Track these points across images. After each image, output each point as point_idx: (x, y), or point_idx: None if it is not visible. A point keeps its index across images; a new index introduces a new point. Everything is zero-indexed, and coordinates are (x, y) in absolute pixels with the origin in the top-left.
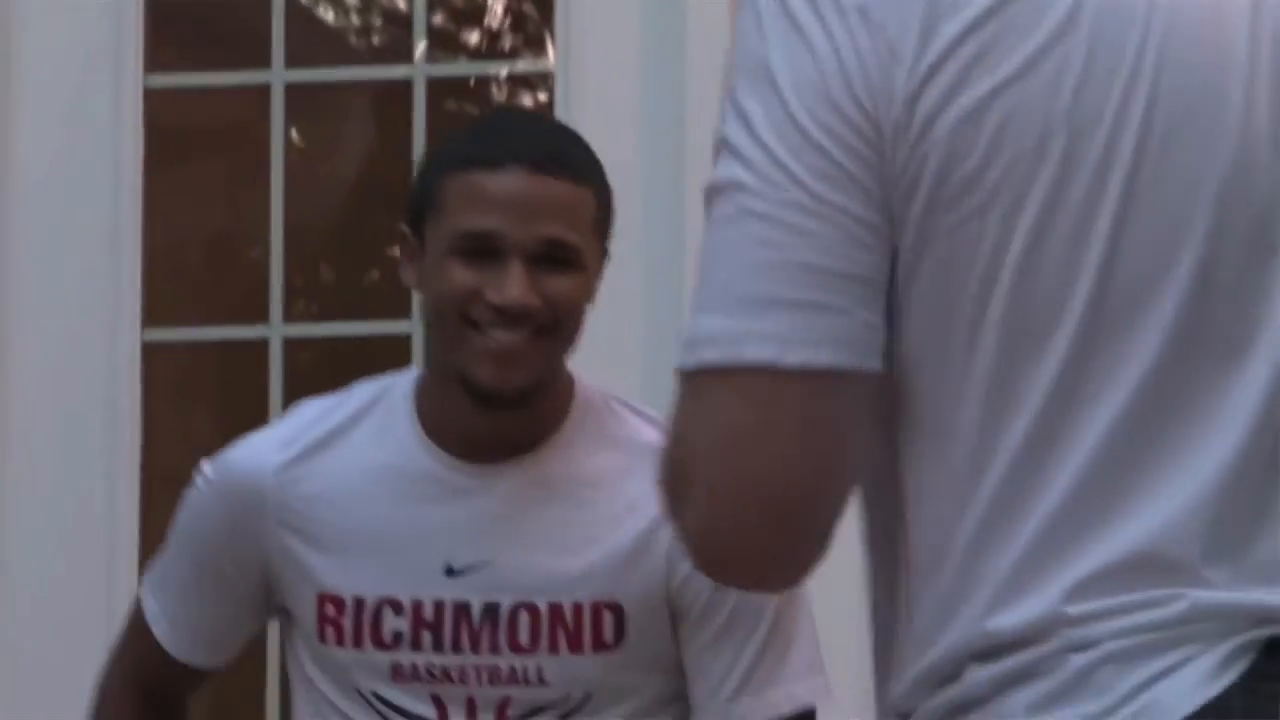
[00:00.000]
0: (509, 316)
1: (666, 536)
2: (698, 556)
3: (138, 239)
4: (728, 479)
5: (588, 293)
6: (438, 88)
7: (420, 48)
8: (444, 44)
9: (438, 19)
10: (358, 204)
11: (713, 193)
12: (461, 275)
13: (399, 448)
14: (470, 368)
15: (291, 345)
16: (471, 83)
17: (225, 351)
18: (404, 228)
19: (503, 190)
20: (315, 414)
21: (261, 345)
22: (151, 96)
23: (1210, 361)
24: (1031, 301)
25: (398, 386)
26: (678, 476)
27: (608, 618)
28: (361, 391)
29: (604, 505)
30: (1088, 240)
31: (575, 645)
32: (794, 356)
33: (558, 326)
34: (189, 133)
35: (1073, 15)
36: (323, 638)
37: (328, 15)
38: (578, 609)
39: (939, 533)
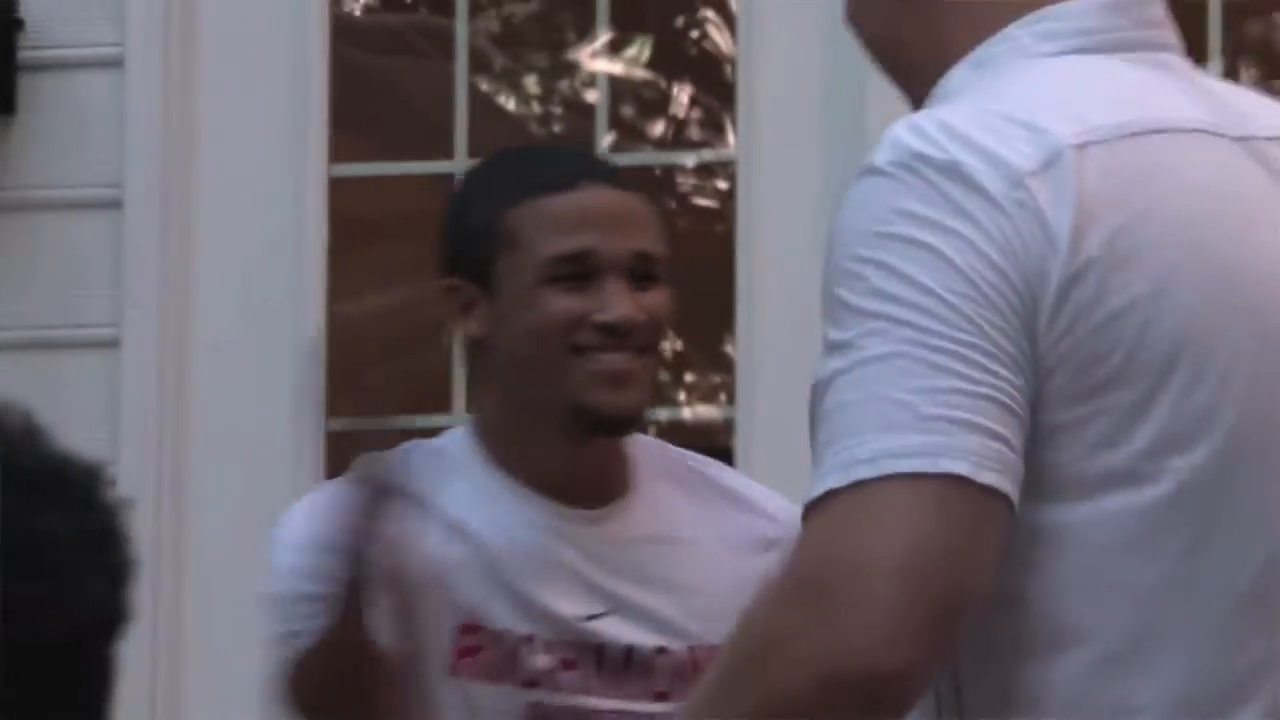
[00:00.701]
0: (616, 336)
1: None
2: (861, 665)
3: (322, 327)
4: (919, 590)
5: (671, 308)
6: (622, 175)
7: (606, 138)
8: (626, 133)
9: (622, 109)
10: None
11: (850, 341)
12: (561, 301)
13: (499, 504)
14: (582, 395)
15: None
16: (657, 172)
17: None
18: (451, 280)
19: (589, 208)
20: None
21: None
22: (336, 185)
23: None
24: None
25: (448, 449)
26: (836, 582)
27: None
28: (415, 463)
29: (704, 544)
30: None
31: None
32: (986, 476)
33: (656, 342)
34: (372, 221)
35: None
36: (456, 670)
37: (510, 104)
38: (710, 651)
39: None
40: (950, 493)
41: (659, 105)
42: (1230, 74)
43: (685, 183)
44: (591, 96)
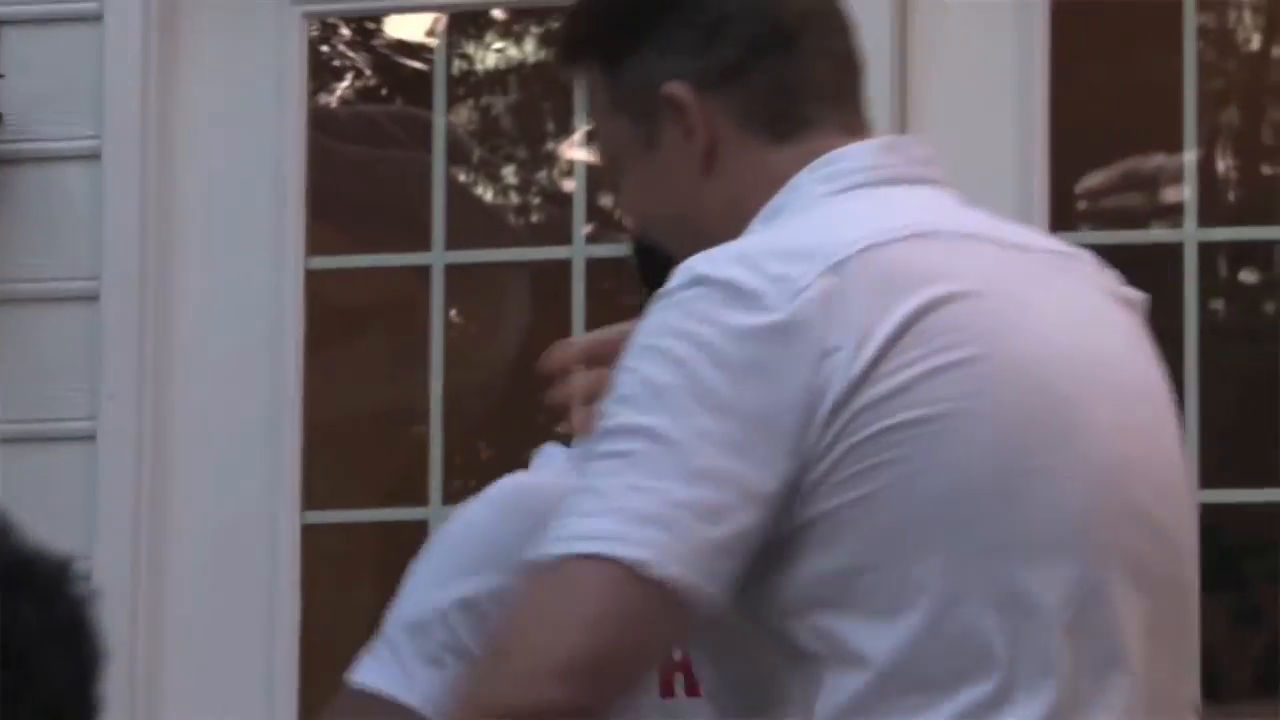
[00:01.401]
0: None
1: None
2: (501, 705)
3: (299, 419)
4: (569, 650)
5: None
6: (597, 268)
7: (584, 228)
8: (605, 223)
9: (600, 199)
10: (517, 383)
11: (603, 436)
12: None
13: None
14: None
15: None
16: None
17: (384, 532)
18: None
19: None
20: None
21: (421, 527)
22: (313, 277)
23: None
24: None
25: None
26: (509, 639)
27: None
28: None
29: None
30: None
31: None
32: (669, 568)
33: None
34: (349, 312)
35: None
36: (669, 691)
37: (488, 195)
38: None
39: None
40: (628, 576)
41: None
42: (1206, 162)
43: None
44: (569, 186)
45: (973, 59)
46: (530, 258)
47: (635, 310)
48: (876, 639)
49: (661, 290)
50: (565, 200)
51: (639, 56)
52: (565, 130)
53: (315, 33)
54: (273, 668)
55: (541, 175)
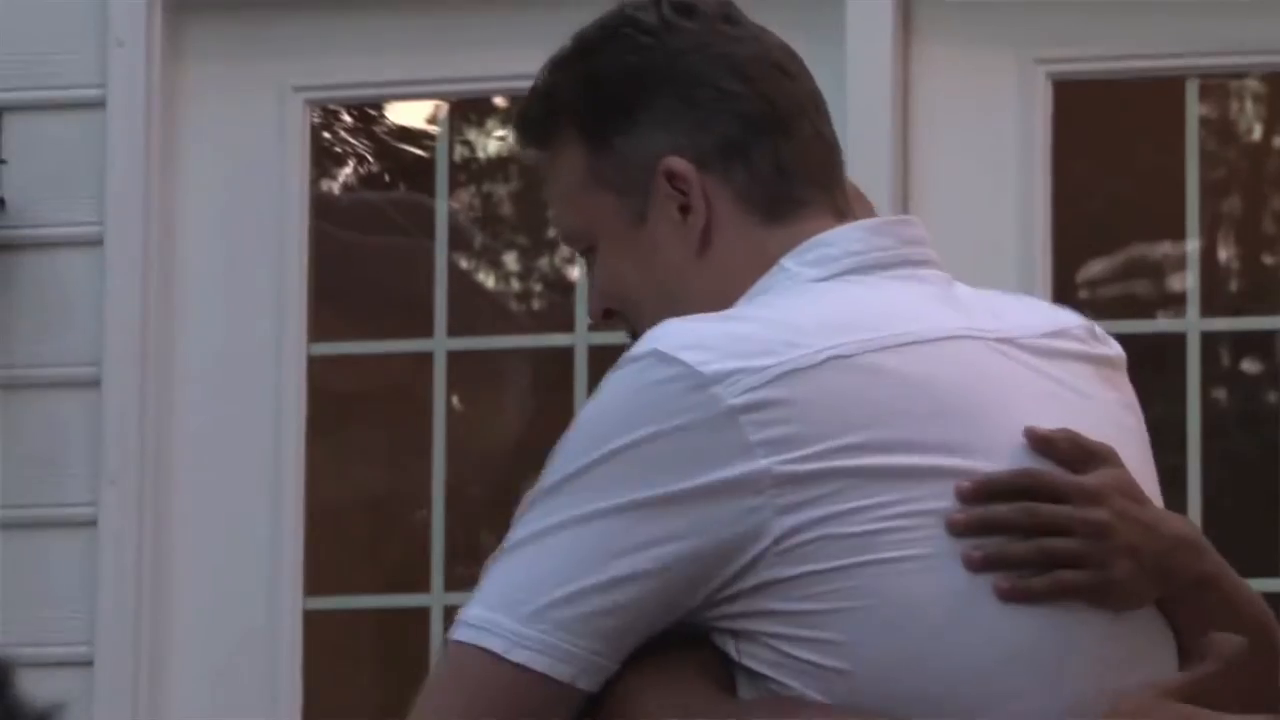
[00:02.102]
0: None
1: None
2: None
3: (300, 505)
4: None
5: None
6: (600, 355)
7: (585, 316)
8: None
9: None
10: (518, 470)
11: (529, 518)
12: None
13: None
14: None
15: (451, 613)
16: None
17: (385, 619)
18: None
19: None
20: None
21: (423, 613)
22: (315, 364)
23: None
24: None
25: None
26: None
27: None
28: None
29: None
30: None
31: None
32: (519, 655)
33: None
34: (351, 398)
35: None
36: None
37: (489, 281)
38: None
39: None
40: (488, 662)
41: None
42: (1208, 251)
43: None
44: (572, 273)
45: (975, 146)
46: (532, 345)
47: None
48: None
49: (626, 355)
50: (568, 287)
51: (633, 132)
52: None
53: (317, 119)
54: None
55: (543, 262)
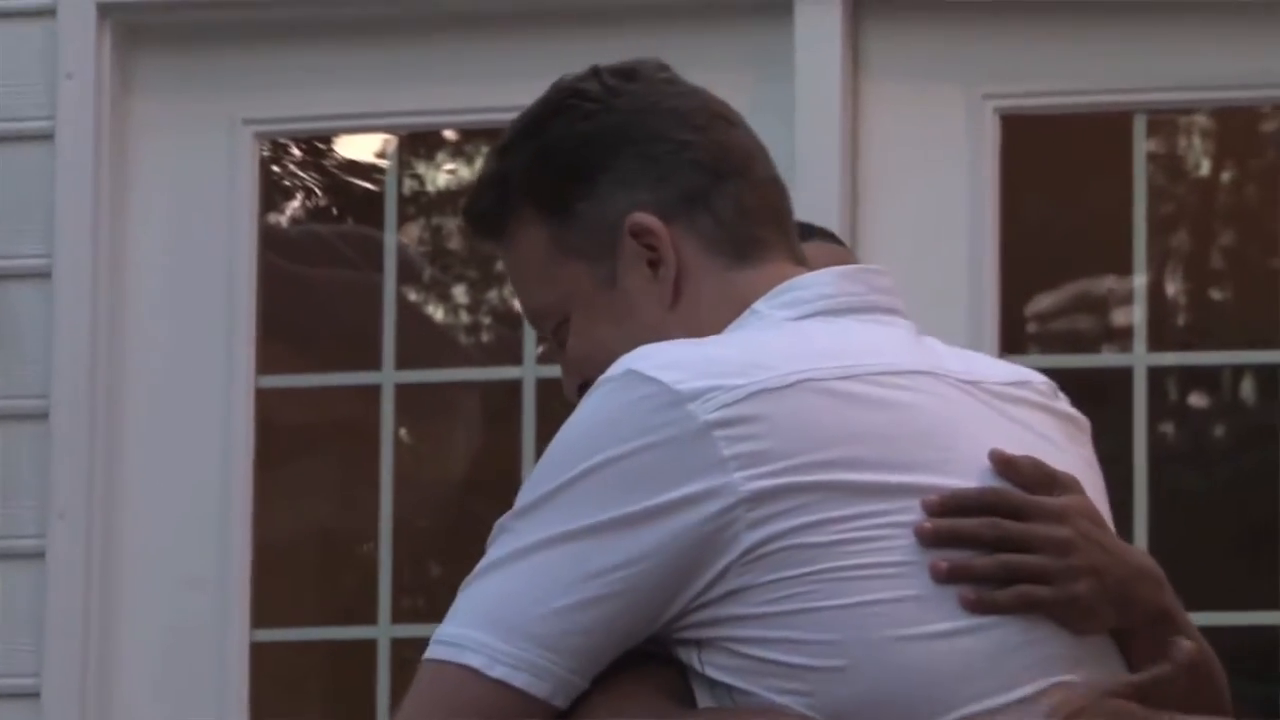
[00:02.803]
0: None
1: None
2: None
3: (248, 537)
4: None
5: None
6: (548, 388)
7: (534, 348)
8: None
9: None
10: (467, 502)
11: (505, 537)
12: None
13: None
14: None
15: (398, 645)
16: None
17: (334, 650)
18: None
19: None
20: None
21: (370, 646)
22: (263, 396)
23: None
24: None
25: None
26: None
27: None
28: None
29: None
30: None
31: None
32: (498, 671)
33: None
34: (300, 431)
35: None
36: None
37: (438, 314)
38: None
39: None
40: (466, 679)
41: None
42: (1155, 286)
43: None
44: (519, 307)
45: (924, 182)
46: (481, 377)
47: None
48: None
49: (604, 375)
50: (516, 320)
51: (594, 195)
52: None
53: (266, 152)
54: None
55: (492, 295)
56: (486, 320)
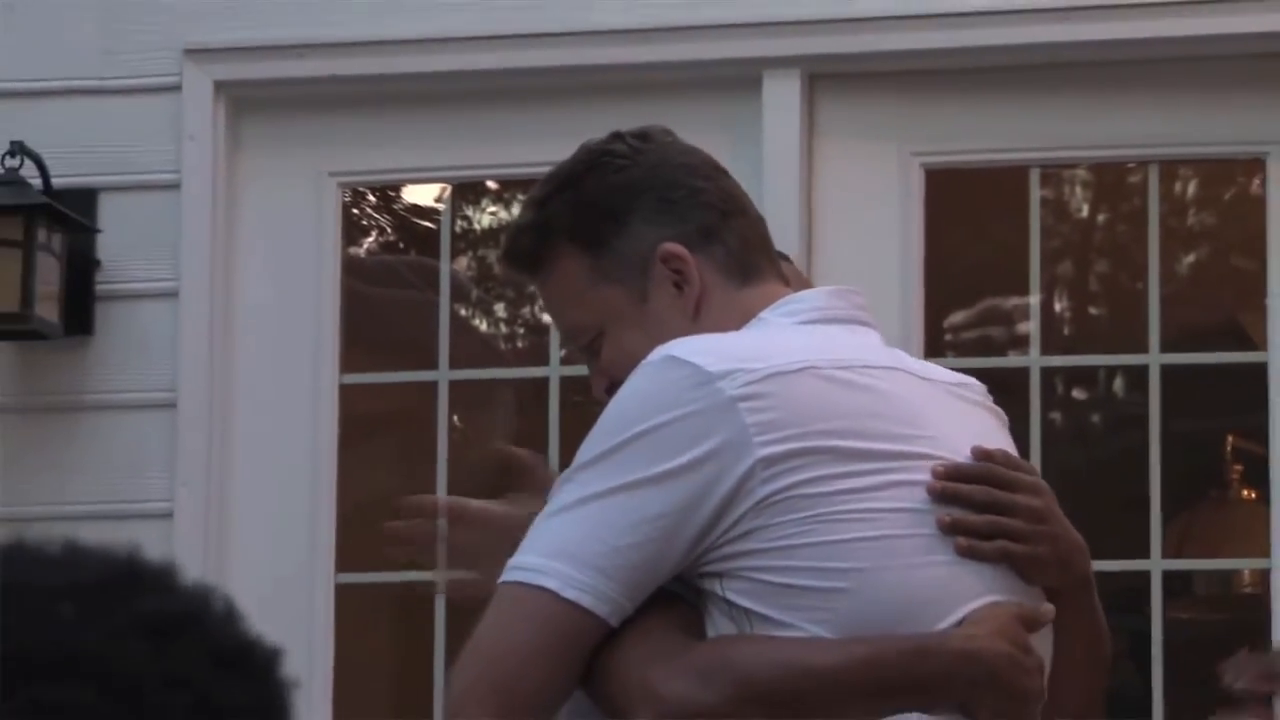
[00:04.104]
0: None
1: None
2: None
3: (333, 501)
4: (484, 667)
5: None
6: (570, 384)
7: (558, 352)
8: None
9: None
10: (502, 477)
11: (571, 485)
12: None
13: None
14: None
15: (450, 585)
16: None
17: (402, 592)
18: None
19: None
20: None
21: (427, 586)
22: (344, 390)
23: None
24: None
25: None
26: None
27: None
28: None
29: None
30: None
31: None
32: (571, 594)
33: None
34: (373, 418)
35: None
36: None
37: (482, 325)
38: None
39: None
40: (544, 599)
41: None
42: (1047, 304)
43: None
44: (547, 319)
45: (865, 223)
46: (516, 376)
47: None
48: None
49: (650, 358)
50: (544, 329)
51: (626, 232)
52: None
53: (347, 198)
54: (311, 701)
55: (525, 310)
56: (520, 330)
